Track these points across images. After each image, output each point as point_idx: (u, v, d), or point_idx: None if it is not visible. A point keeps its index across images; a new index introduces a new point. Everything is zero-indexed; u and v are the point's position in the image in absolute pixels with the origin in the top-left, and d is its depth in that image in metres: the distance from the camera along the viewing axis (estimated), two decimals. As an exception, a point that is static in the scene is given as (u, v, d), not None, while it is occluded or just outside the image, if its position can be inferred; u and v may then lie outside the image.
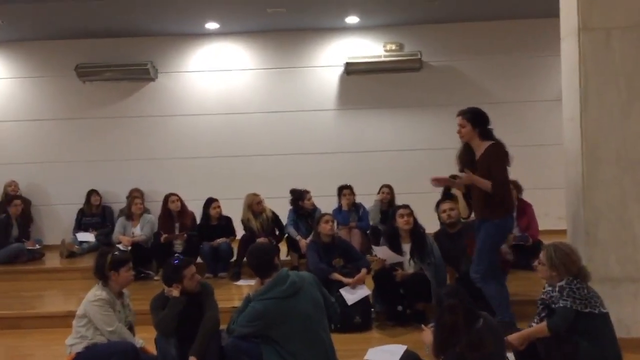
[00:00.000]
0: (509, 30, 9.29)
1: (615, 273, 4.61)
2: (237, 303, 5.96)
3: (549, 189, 8.51)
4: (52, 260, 8.34)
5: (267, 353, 3.85)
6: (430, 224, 7.42)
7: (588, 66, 4.62)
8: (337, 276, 5.63)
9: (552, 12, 5.19)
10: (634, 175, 4.60)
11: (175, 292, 4.24)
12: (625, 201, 4.61)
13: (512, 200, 4.96)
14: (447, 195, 7.46)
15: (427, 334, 3.65)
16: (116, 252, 4.52)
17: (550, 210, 8.10)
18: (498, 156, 4.64)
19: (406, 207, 5.70)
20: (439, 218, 7.48)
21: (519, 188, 7.19)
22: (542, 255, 4.03)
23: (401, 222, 5.58)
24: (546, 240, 6.62)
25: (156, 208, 8.18)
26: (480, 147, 4.71)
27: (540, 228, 7.24)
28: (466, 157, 4.82)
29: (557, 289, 3.94)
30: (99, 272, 4.34)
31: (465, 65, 9.48)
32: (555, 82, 8.94)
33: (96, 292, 4.29)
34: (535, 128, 9.23)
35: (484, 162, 4.64)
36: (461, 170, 4.84)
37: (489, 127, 4.77)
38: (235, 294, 6.52)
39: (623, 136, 4.61)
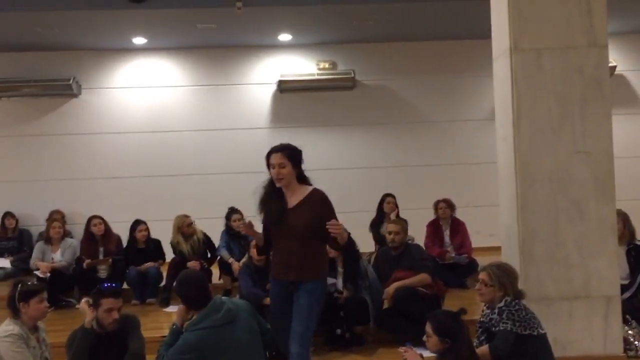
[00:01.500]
0: (440, 50, 9.45)
1: (550, 292, 4.62)
2: (166, 330, 5.69)
3: (480, 206, 8.65)
4: (-38, 289, 7.72)
5: None
6: (365, 244, 7.41)
7: (520, 86, 4.65)
8: (270, 301, 5.41)
9: (483, 33, 5.25)
10: (566, 195, 4.64)
11: (83, 307, 3.98)
12: (559, 220, 4.64)
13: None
14: (380, 215, 7.47)
15: (412, 356, 3.64)
16: (28, 282, 4.13)
17: (482, 228, 8.21)
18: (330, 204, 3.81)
19: None
20: (375, 238, 7.49)
21: (452, 206, 7.27)
22: (484, 276, 3.99)
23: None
24: (479, 258, 6.73)
25: (79, 231, 7.77)
26: (298, 191, 3.81)
27: (472, 246, 7.31)
28: (274, 205, 3.83)
29: (496, 311, 3.92)
30: (10, 304, 3.96)
31: (398, 84, 9.56)
32: (485, 102, 9.23)
33: (7, 327, 3.90)
34: (465, 147, 9.40)
35: (311, 210, 3.73)
36: (273, 222, 3.85)
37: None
38: (164, 321, 6.17)
39: (555, 156, 4.66)
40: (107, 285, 4.03)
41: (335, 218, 3.68)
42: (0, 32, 8.26)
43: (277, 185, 3.78)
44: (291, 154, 3.78)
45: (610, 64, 8.67)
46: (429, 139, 9.48)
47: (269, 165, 3.81)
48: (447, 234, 7.18)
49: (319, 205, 3.75)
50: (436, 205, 7.30)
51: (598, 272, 4.64)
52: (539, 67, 4.65)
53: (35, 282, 4.21)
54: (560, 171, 4.64)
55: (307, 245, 3.76)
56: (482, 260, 5.77)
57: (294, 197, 3.79)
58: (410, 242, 5.82)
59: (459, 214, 7.50)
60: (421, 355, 3.67)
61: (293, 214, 3.75)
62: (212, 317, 3.68)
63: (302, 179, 3.84)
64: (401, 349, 3.72)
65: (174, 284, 6.60)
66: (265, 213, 3.91)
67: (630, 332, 4.88)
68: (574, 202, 4.64)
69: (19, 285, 3.97)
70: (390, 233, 5.56)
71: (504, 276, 3.96)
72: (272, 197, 3.83)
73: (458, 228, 7.18)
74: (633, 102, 9.76)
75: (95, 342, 3.91)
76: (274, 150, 3.80)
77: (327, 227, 3.58)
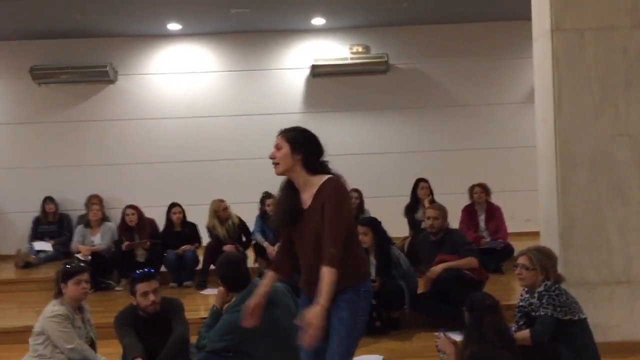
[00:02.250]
0: (475, 32, 9.29)
1: (590, 277, 4.57)
2: (204, 313, 5.75)
3: (516, 191, 8.54)
4: (7, 271, 7.98)
5: None
6: (399, 229, 7.40)
7: (561, 67, 4.57)
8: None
9: (520, 14, 5.17)
10: (608, 179, 4.57)
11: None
12: (600, 205, 4.57)
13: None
14: (415, 201, 7.42)
15: (445, 343, 3.67)
16: (72, 264, 4.25)
17: (517, 214, 8.11)
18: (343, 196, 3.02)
19: (363, 224, 5.39)
20: (410, 222, 7.46)
21: (487, 191, 7.19)
22: (524, 260, 3.96)
23: (360, 239, 5.44)
24: (514, 243, 6.66)
25: (117, 215, 7.86)
26: (311, 185, 3.04)
27: (510, 230, 7.25)
28: (286, 206, 3.11)
29: (536, 295, 3.89)
30: (56, 285, 4.10)
31: (432, 67, 9.45)
32: (522, 85, 9.08)
33: (53, 307, 4.03)
34: (502, 131, 9.26)
35: (321, 209, 2.96)
36: (284, 225, 3.18)
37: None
38: (201, 304, 6.29)
39: (596, 138, 4.58)
40: (138, 272, 4.11)
41: (341, 215, 2.92)
42: (38, 20, 8.39)
43: (275, 171, 3.08)
44: (294, 136, 3.07)
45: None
46: (463, 122, 9.37)
47: None
48: (482, 219, 7.11)
49: (325, 203, 2.93)
50: (471, 189, 7.24)
51: (639, 257, 4.56)
52: (581, 47, 4.56)
53: (81, 265, 4.32)
54: (601, 154, 4.56)
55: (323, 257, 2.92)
56: (518, 246, 5.73)
57: (307, 193, 3.04)
58: (449, 227, 5.76)
59: (495, 199, 7.42)
60: (454, 342, 3.68)
61: (305, 217, 3.01)
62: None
63: (315, 169, 3.04)
64: (435, 334, 3.75)
65: (214, 265, 6.77)
66: (276, 214, 3.31)
67: (671, 318, 4.79)
68: (615, 185, 4.56)
69: (63, 267, 4.09)
70: (429, 218, 5.52)
71: (545, 259, 3.93)
72: (284, 195, 3.12)
73: (494, 213, 7.10)
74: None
75: (141, 326, 4.00)
76: (278, 133, 3.15)
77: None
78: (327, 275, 2.81)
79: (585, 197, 4.57)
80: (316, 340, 2.78)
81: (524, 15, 5.02)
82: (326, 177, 3.00)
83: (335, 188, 2.96)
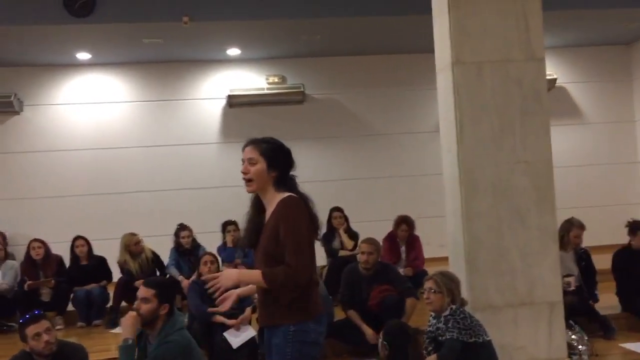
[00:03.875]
0: (388, 63, 9.56)
1: (495, 300, 4.69)
2: (114, 353, 5.54)
3: (429, 217, 8.71)
4: None
5: None
6: (317, 258, 7.37)
7: (462, 98, 4.74)
8: (219, 318, 5.33)
9: (429, 47, 5.33)
10: (509, 204, 4.74)
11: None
12: (502, 230, 4.72)
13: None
14: (330, 230, 7.44)
15: None
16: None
17: (431, 239, 8.29)
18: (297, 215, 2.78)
19: None
20: (327, 251, 7.47)
21: (412, 227, 7.28)
22: (431, 284, 4.06)
23: None
24: (430, 269, 6.79)
25: (21, 253, 7.49)
26: (273, 202, 2.86)
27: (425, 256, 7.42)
28: (250, 223, 2.96)
29: (442, 319, 3.97)
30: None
31: (347, 98, 9.63)
32: (432, 114, 9.32)
33: (-60, 355, 3.74)
34: (415, 159, 9.50)
35: (272, 228, 2.81)
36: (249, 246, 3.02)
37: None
38: (112, 342, 6.02)
39: (496, 166, 4.75)
40: (23, 318, 3.89)
41: (294, 236, 2.71)
42: None
43: (246, 189, 2.87)
44: (268, 150, 2.84)
45: (551, 77, 9.10)
46: (378, 151, 9.57)
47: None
48: (403, 250, 7.22)
49: (278, 220, 2.75)
50: (398, 224, 7.26)
51: (541, 279, 4.74)
52: (480, 79, 4.75)
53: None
54: (502, 181, 4.73)
55: None
56: (433, 271, 5.84)
57: (270, 209, 2.85)
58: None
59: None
60: None
61: (263, 234, 2.86)
62: (181, 318, 3.75)
63: (285, 186, 2.85)
64: None
65: (126, 302, 6.53)
66: (243, 233, 3.05)
67: (573, 336, 5.00)
68: (515, 210, 4.73)
69: None
70: (363, 253, 5.45)
71: (450, 282, 4.05)
72: (251, 214, 2.94)
73: (414, 244, 7.24)
74: (574, 113, 10.09)
75: None
76: (246, 142, 2.91)
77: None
78: (255, 272, 2.75)
79: (488, 223, 4.71)
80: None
81: (431, 48, 5.20)
82: (285, 194, 2.80)
83: (292, 207, 2.75)
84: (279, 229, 2.72)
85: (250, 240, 2.91)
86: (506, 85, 4.78)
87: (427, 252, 7.65)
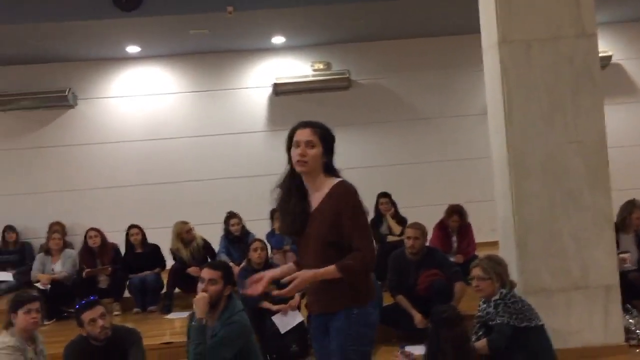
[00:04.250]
0: (434, 46, 9.41)
1: (548, 284, 4.62)
2: (169, 338, 5.74)
3: (480, 201, 8.59)
4: (-34, 303, 7.77)
5: None
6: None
7: (510, 78, 4.65)
8: (267, 304, 5.42)
9: (475, 28, 5.23)
10: (560, 186, 4.64)
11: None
12: (554, 212, 4.64)
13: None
14: (378, 215, 7.42)
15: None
16: (23, 293, 4.17)
17: (482, 224, 8.16)
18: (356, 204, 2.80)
19: None
20: (375, 237, 7.44)
21: (464, 217, 7.14)
22: (478, 271, 4.01)
23: None
24: (481, 254, 6.70)
25: (79, 242, 7.77)
26: (323, 186, 2.86)
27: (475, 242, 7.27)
28: (292, 206, 2.89)
29: (492, 304, 3.92)
30: (7, 315, 4.01)
31: (393, 82, 9.54)
32: (480, 96, 9.16)
33: (3, 339, 3.94)
34: (464, 142, 9.33)
35: (330, 213, 2.80)
36: (294, 232, 2.94)
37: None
38: (167, 328, 6.21)
39: (547, 147, 4.65)
40: (80, 303, 4.03)
41: (358, 221, 2.75)
42: (-3, 47, 8.32)
43: (298, 169, 2.82)
44: (324, 135, 2.85)
45: (605, 54, 8.78)
46: (426, 135, 9.47)
47: (290, 148, 2.87)
48: (454, 240, 7.09)
49: (338, 207, 2.75)
50: (449, 215, 7.13)
51: (596, 262, 4.63)
52: (528, 58, 4.65)
53: (32, 294, 4.23)
54: (553, 162, 4.64)
55: (329, 262, 2.74)
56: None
57: (318, 194, 2.84)
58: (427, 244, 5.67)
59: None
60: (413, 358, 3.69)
61: (312, 220, 2.83)
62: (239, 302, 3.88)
63: (330, 171, 2.87)
64: (395, 354, 3.76)
65: (179, 289, 6.67)
66: (283, 220, 2.97)
67: (631, 320, 4.86)
68: (567, 192, 4.63)
69: (13, 296, 4.01)
70: (409, 238, 5.43)
71: (497, 266, 4.00)
72: (291, 197, 2.88)
73: (466, 232, 7.09)
74: (630, 91, 9.71)
75: (93, 356, 3.89)
76: (301, 125, 2.87)
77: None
78: (331, 268, 2.69)
79: (539, 205, 4.63)
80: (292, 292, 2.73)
81: (478, 28, 5.10)
82: (336, 180, 2.82)
83: (346, 191, 2.77)
84: (341, 215, 2.73)
85: (296, 227, 2.86)
86: (556, 63, 4.67)
87: (479, 237, 7.50)
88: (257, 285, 2.84)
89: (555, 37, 4.64)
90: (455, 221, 7.07)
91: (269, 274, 2.92)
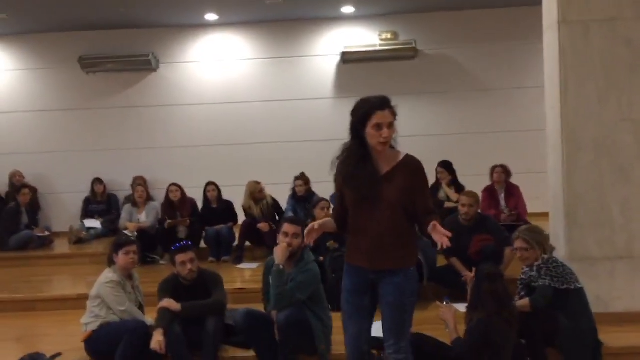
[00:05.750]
0: (500, 18, 9.50)
1: (594, 253, 4.89)
2: (240, 284, 6.33)
3: (540, 172, 8.73)
4: (61, 247, 8.63)
5: (318, 312, 4.25)
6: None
7: (567, 58, 4.86)
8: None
9: (537, 0, 5.41)
10: (611, 161, 4.86)
11: (164, 304, 4.38)
12: (603, 185, 4.88)
13: None
14: (437, 183, 7.74)
15: (446, 312, 3.99)
16: (123, 237, 4.79)
17: (542, 194, 8.34)
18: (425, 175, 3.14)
19: None
20: (433, 202, 7.78)
21: (507, 172, 7.47)
22: (520, 243, 4.29)
23: None
24: (541, 223, 6.91)
25: (160, 195, 8.46)
26: (390, 157, 3.13)
27: (532, 211, 7.50)
28: (365, 172, 3.08)
29: (535, 268, 4.24)
30: (109, 255, 4.66)
31: (459, 53, 9.70)
32: (541, 70, 9.20)
33: (108, 274, 4.60)
34: (525, 114, 9.41)
35: (404, 180, 3.06)
36: (363, 195, 3.10)
37: None
38: (237, 276, 6.79)
39: (601, 123, 4.86)
40: (175, 245, 4.61)
41: (428, 189, 3.17)
42: (86, 12, 8.96)
43: (379, 148, 3.03)
44: (395, 114, 3.08)
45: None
46: (489, 106, 9.62)
47: (364, 123, 3.03)
48: (502, 197, 7.40)
49: (414, 176, 3.06)
50: (492, 170, 7.52)
51: (640, 233, 4.86)
52: (586, 39, 4.84)
53: (131, 238, 4.86)
54: (605, 138, 4.86)
55: (399, 223, 3.05)
56: (546, 225, 5.96)
57: (385, 162, 3.09)
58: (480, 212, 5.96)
59: (520, 180, 7.66)
60: (455, 311, 4.02)
61: (386, 184, 3.05)
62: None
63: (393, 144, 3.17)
64: (438, 304, 4.11)
65: (249, 242, 7.22)
66: (350, 184, 3.11)
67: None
68: (618, 167, 4.86)
69: (115, 239, 4.65)
70: (464, 206, 5.74)
71: (538, 236, 4.28)
72: (360, 164, 3.07)
73: (513, 192, 7.38)
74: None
75: (182, 292, 4.50)
76: (380, 105, 3.02)
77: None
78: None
79: (589, 178, 4.88)
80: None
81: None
82: (403, 153, 3.13)
83: (419, 166, 3.09)
84: (415, 184, 3.04)
85: (365, 189, 3.04)
86: (614, 45, 4.84)
87: (537, 206, 7.60)
88: (309, 236, 3.19)
89: (614, 19, 4.81)
90: (498, 173, 7.34)
91: (317, 223, 3.23)
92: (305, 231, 3.23)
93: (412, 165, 3.08)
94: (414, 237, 3.19)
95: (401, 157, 3.10)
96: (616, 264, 4.89)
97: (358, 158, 3.08)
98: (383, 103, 3.03)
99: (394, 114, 3.05)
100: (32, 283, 6.94)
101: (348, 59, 9.68)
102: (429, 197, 3.13)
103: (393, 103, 3.08)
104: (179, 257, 4.47)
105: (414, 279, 3.16)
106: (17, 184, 9.36)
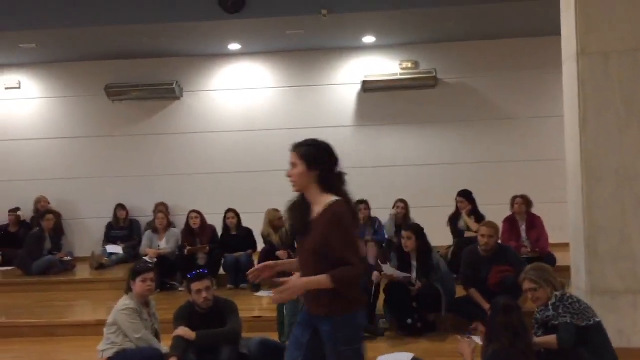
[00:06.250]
0: (519, 48, 9.52)
1: (615, 285, 4.80)
2: (257, 312, 6.35)
3: (562, 202, 8.63)
4: (83, 272, 8.73)
5: None
6: (442, 237, 7.71)
7: (587, 89, 4.84)
8: None
9: (557, 30, 5.40)
10: (632, 191, 4.80)
11: (179, 332, 4.42)
12: (625, 216, 4.81)
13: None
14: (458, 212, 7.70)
15: (464, 345, 3.93)
16: (141, 264, 4.84)
17: (565, 224, 8.21)
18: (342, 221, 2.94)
19: (407, 229, 5.91)
20: (452, 231, 7.76)
21: (528, 202, 7.40)
22: (528, 284, 4.18)
23: (403, 243, 5.85)
24: (564, 254, 6.78)
25: (181, 222, 8.54)
26: (319, 202, 3.03)
27: (555, 241, 7.41)
28: (299, 217, 3.09)
29: (550, 307, 4.10)
30: (127, 282, 4.70)
31: (478, 82, 9.72)
32: (560, 99, 9.16)
33: (125, 301, 4.64)
34: (546, 143, 9.34)
35: (320, 230, 2.96)
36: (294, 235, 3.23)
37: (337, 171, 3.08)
38: (255, 304, 6.82)
39: (621, 153, 4.81)
40: (191, 273, 4.64)
41: (344, 243, 2.89)
42: (113, 42, 9.18)
43: (293, 190, 3.10)
44: (307, 153, 3.02)
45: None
46: (509, 135, 9.59)
47: None
48: (523, 229, 7.32)
49: (326, 227, 2.91)
50: (513, 200, 7.46)
51: (664, 267, 4.76)
52: (606, 70, 4.82)
53: (148, 265, 4.91)
54: (625, 168, 4.80)
55: (322, 272, 2.91)
56: (566, 257, 5.84)
57: (316, 207, 3.01)
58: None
59: (542, 210, 7.60)
60: (474, 345, 3.96)
61: (311, 231, 2.99)
62: None
63: (331, 184, 3.01)
64: (458, 337, 4.06)
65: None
66: (289, 220, 3.22)
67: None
68: (639, 197, 4.77)
69: (133, 266, 4.70)
70: (483, 236, 5.72)
71: (544, 274, 4.17)
72: (296, 206, 3.10)
73: (534, 223, 7.29)
74: None
75: (197, 320, 4.52)
76: (291, 148, 3.10)
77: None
78: (322, 278, 2.85)
79: (610, 210, 4.81)
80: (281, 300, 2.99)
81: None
82: (330, 199, 2.95)
83: (335, 213, 2.90)
84: (331, 234, 2.88)
85: (298, 229, 3.08)
86: (635, 75, 4.81)
87: (560, 237, 7.37)
88: (284, 295, 2.98)
89: (634, 49, 4.79)
90: (518, 204, 7.26)
91: (272, 263, 3.20)
92: (260, 266, 3.17)
93: (328, 215, 2.93)
94: (347, 285, 2.94)
95: (326, 204, 2.96)
96: (639, 297, 4.78)
97: (297, 199, 3.12)
98: (292, 146, 3.11)
99: (298, 155, 3.05)
100: (53, 308, 7.02)
101: (369, 87, 9.76)
102: (344, 248, 2.89)
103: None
104: (195, 285, 4.50)
105: (348, 326, 2.95)
106: (42, 210, 9.51)
